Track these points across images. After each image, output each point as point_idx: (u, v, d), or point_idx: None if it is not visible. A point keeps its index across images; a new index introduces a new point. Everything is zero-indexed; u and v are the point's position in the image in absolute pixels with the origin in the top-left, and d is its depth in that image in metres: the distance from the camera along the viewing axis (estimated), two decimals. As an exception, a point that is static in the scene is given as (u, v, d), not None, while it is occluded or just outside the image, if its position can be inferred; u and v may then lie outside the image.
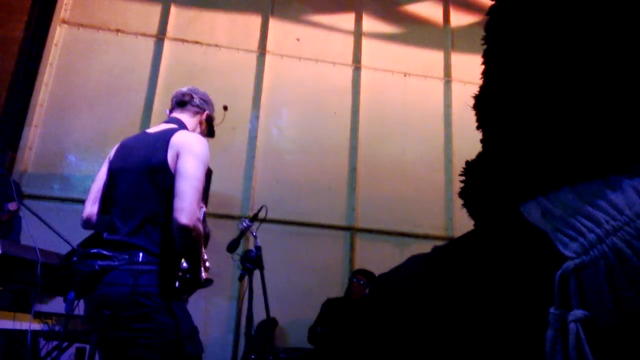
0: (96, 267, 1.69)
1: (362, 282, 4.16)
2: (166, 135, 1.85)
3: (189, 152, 1.78)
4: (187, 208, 1.68)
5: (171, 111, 2.13)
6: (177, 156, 1.78)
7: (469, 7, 6.07)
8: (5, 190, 3.43)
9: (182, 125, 2.00)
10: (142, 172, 1.81)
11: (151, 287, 1.67)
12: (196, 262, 1.76)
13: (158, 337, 1.64)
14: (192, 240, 1.70)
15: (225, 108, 2.38)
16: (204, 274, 1.87)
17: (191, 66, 5.23)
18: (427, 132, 5.59)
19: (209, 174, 1.95)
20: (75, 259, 1.77)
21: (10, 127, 4.68)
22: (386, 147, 5.44)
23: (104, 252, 1.72)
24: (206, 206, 2.20)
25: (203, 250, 2.00)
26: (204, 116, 2.11)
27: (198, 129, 2.10)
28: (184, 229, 1.66)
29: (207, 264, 1.96)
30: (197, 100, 2.10)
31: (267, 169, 5.11)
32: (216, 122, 2.25)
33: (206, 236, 1.96)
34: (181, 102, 2.10)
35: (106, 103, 4.94)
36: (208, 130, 2.19)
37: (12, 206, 3.33)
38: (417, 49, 5.86)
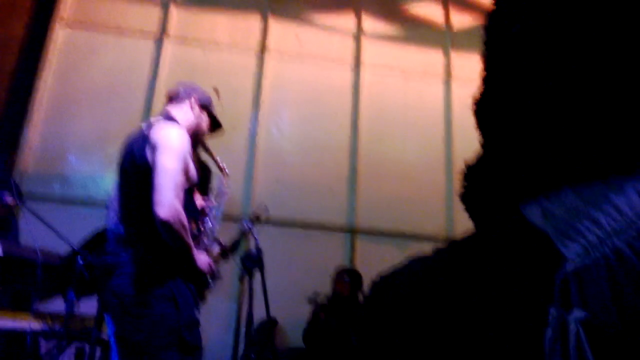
0: (107, 261, 1.84)
1: (346, 280, 4.20)
2: (146, 132, 1.92)
3: (162, 145, 1.82)
4: (163, 200, 1.73)
5: None
6: (153, 150, 1.83)
7: (469, 7, 6.06)
8: (5, 184, 3.43)
9: (168, 116, 2.05)
10: (130, 170, 1.89)
11: (152, 278, 1.77)
12: (184, 251, 1.82)
13: (158, 324, 1.72)
14: (174, 231, 1.75)
15: (215, 90, 2.41)
16: (204, 265, 1.93)
17: (191, 66, 5.22)
18: (427, 132, 5.57)
19: (208, 173, 1.98)
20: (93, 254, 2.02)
21: (10, 127, 4.67)
22: (386, 147, 5.43)
23: (113, 248, 1.87)
24: (208, 198, 2.23)
25: (215, 243, 2.12)
26: (192, 100, 2.13)
27: (191, 116, 2.12)
28: (163, 222, 1.73)
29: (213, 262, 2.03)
30: (181, 90, 2.17)
31: (267, 169, 5.09)
32: (214, 109, 2.26)
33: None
34: (169, 97, 2.18)
35: (106, 103, 4.92)
36: (210, 118, 2.21)
37: (9, 199, 3.29)
38: (417, 49, 5.85)
